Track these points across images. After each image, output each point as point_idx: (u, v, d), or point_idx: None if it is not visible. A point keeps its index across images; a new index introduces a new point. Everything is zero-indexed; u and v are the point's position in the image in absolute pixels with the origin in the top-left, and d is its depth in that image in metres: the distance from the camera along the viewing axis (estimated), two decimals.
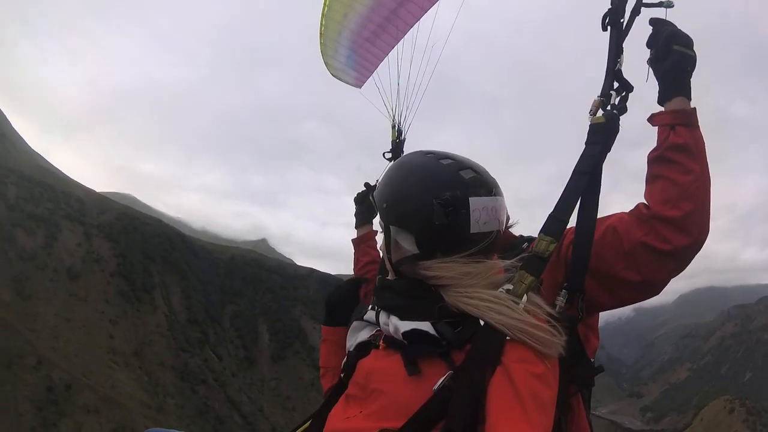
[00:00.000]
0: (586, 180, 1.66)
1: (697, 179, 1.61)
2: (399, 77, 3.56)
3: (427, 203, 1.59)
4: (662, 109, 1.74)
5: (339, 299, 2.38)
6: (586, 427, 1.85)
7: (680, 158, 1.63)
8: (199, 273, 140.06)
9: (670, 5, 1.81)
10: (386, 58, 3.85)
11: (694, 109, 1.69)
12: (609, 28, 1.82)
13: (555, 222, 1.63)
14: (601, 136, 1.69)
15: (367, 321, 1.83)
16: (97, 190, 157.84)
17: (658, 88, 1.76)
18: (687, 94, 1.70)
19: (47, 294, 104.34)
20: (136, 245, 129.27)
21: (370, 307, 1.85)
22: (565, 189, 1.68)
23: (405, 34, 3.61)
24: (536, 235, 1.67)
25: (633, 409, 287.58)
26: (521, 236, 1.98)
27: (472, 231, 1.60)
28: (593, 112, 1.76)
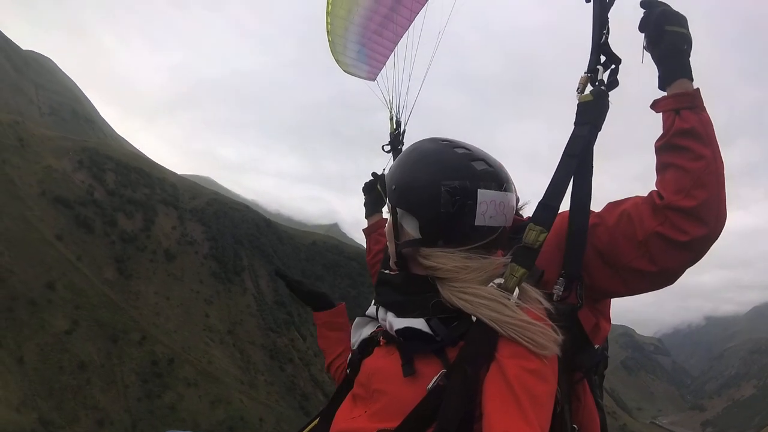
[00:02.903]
0: (575, 163, 1.61)
1: (709, 165, 1.50)
2: (395, 68, 3.50)
3: (435, 190, 1.55)
4: (664, 94, 1.63)
5: (299, 291, 2.52)
6: (595, 416, 1.76)
7: (689, 144, 1.53)
8: (283, 257, 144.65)
9: None
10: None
11: (698, 89, 1.58)
12: None
13: (544, 209, 1.57)
14: (590, 114, 1.63)
15: (369, 316, 1.82)
16: (178, 173, 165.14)
17: (657, 73, 1.65)
18: (688, 74, 1.60)
19: (147, 273, 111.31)
20: (226, 229, 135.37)
21: (372, 302, 1.84)
22: (554, 173, 1.62)
23: (411, 22, 3.54)
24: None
25: (694, 423, 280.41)
26: (530, 219, 1.88)
27: (476, 223, 1.55)
28: (580, 90, 1.68)
